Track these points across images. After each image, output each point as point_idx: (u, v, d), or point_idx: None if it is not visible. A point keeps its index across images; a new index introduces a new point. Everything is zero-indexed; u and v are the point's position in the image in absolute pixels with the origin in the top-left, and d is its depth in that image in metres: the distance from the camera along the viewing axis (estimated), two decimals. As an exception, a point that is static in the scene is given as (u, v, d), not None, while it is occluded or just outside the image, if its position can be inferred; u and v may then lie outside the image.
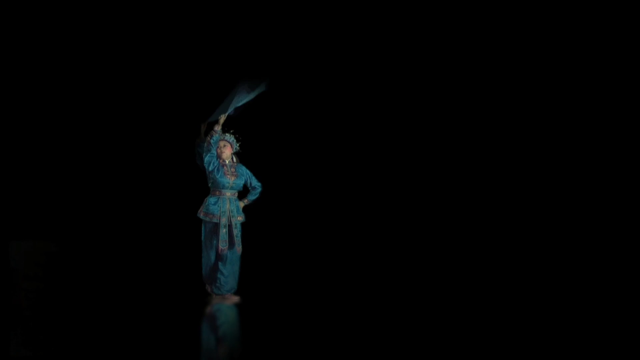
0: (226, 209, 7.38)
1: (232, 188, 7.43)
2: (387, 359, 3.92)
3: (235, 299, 7.35)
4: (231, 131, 7.58)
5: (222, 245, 7.32)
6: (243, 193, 7.66)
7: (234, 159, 7.59)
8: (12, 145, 9.39)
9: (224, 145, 7.47)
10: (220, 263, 7.34)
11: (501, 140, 9.49)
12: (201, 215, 7.41)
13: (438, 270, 9.25)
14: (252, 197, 7.61)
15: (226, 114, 7.39)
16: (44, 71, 9.45)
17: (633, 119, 9.15)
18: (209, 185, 7.46)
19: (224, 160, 7.47)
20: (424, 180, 9.58)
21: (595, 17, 9.15)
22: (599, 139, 9.24)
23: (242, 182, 7.51)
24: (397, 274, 9.26)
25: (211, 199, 7.41)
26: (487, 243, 9.26)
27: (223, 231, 7.31)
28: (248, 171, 7.60)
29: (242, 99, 7.47)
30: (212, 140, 7.34)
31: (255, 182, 7.59)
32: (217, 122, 7.41)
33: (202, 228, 7.46)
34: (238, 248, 7.36)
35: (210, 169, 7.37)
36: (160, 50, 9.49)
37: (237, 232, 7.37)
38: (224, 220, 7.34)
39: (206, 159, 7.35)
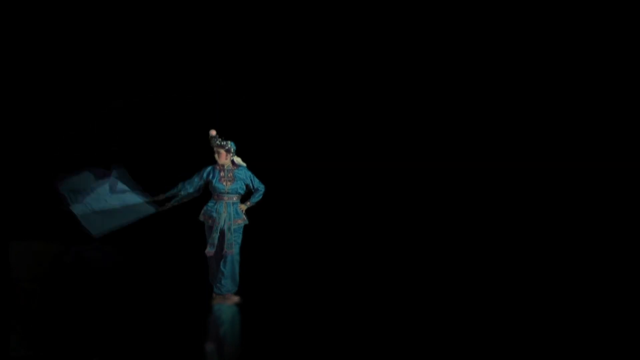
0: (222, 212, 7.47)
1: (228, 193, 7.50)
2: (386, 358, 3.92)
3: (236, 299, 7.38)
4: (220, 138, 7.49)
5: (210, 248, 7.39)
6: (247, 195, 7.68)
7: (235, 163, 7.61)
8: (12, 145, 9.39)
9: (217, 152, 7.48)
10: (221, 263, 7.41)
11: (500, 141, 9.50)
12: (201, 217, 7.52)
13: (437, 271, 9.25)
14: (255, 199, 7.65)
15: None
16: (45, 72, 9.46)
17: (633, 119, 9.17)
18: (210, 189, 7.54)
19: (222, 166, 7.54)
20: (424, 181, 9.59)
21: (596, 17, 9.17)
22: (599, 140, 9.25)
23: (240, 185, 7.53)
24: (396, 274, 9.26)
25: (210, 202, 7.52)
26: (487, 243, 9.27)
27: (214, 235, 7.39)
28: (250, 173, 7.62)
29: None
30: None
31: (257, 184, 7.62)
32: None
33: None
34: (230, 251, 7.43)
35: (206, 177, 7.46)
36: (162, 51, 9.49)
37: (230, 235, 7.41)
38: (217, 224, 7.40)
39: (196, 181, 7.47)
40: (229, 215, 7.44)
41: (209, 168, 7.48)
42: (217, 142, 7.46)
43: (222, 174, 7.44)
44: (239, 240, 7.47)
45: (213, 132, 7.45)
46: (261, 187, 7.62)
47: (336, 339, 4.63)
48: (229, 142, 7.51)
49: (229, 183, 7.44)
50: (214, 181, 7.43)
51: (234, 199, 7.50)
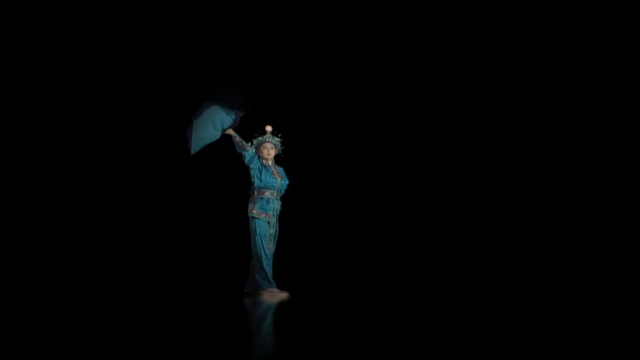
0: (275, 207, 7.64)
1: (278, 189, 7.67)
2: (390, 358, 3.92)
3: (284, 295, 7.40)
4: (279, 135, 7.80)
5: (270, 243, 7.57)
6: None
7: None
8: (11, 145, 9.38)
9: (266, 147, 7.67)
10: (270, 259, 7.60)
11: (502, 141, 9.50)
12: (253, 213, 7.56)
13: (439, 270, 9.25)
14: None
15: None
16: (46, 71, 9.44)
17: (633, 119, 9.18)
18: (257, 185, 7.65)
19: (267, 161, 7.69)
20: (425, 181, 9.59)
21: (595, 17, 9.18)
22: (599, 140, 9.26)
23: (286, 182, 7.74)
24: (399, 274, 9.26)
25: (260, 198, 7.60)
26: (488, 244, 9.28)
27: (271, 230, 7.58)
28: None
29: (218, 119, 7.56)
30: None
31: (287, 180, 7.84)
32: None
33: (255, 225, 7.57)
34: (274, 246, 7.63)
35: (254, 157, 7.62)
36: (162, 50, 9.48)
37: (274, 230, 7.60)
38: (273, 219, 7.60)
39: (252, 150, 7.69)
40: (276, 211, 7.63)
41: (256, 159, 7.63)
42: (270, 138, 7.69)
43: (269, 168, 7.64)
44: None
45: (269, 128, 7.69)
46: (288, 182, 7.81)
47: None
48: (280, 138, 7.75)
49: (278, 177, 7.63)
50: (267, 175, 7.59)
51: (279, 195, 7.68)
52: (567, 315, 5.98)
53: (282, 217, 7.78)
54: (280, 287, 7.54)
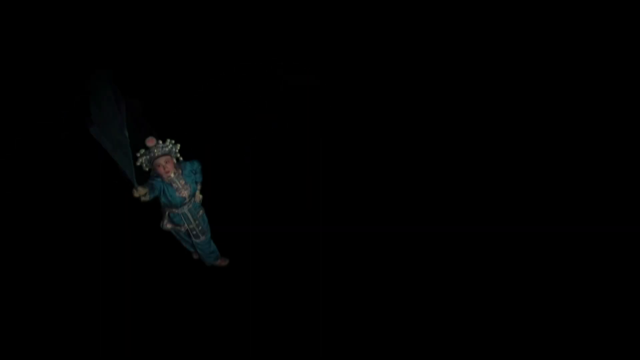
0: (188, 216, 6.78)
1: (188, 198, 6.66)
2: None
3: (224, 262, 7.29)
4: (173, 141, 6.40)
5: (194, 239, 7.00)
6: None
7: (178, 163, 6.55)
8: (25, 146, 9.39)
9: (161, 163, 6.32)
10: (199, 252, 7.25)
11: (502, 142, 9.50)
12: (166, 227, 6.80)
13: (441, 271, 9.25)
14: (199, 180, 6.74)
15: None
16: (47, 71, 9.45)
17: (633, 119, 9.18)
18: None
19: (167, 177, 6.44)
20: (424, 181, 9.59)
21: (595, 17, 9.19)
22: (599, 140, 9.26)
23: (194, 186, 6.66)
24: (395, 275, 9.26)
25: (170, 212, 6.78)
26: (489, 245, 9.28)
27: (190, 240, 7.11)
28: (188, 164, 6.60)
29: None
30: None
31: (196, 167, 6.63)
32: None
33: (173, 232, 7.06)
34: (203, 237, 7.01)
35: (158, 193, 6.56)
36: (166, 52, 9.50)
37: (196, 224, 6.86)
38: (187, 227, 6.87)
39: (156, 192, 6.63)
40: (191, 215, 6.78)
41: (158, 183, 6.41)
42: (159, 151, 6.29)
43: (174, 185, 6.49)
44: (206, 220, 7.04)
45: (151, 142, 6.22)
46: (198, 167, 6.65)
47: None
48: (170, 141, 6.36)
49: (185, 192, 6.58)
50: (171, 192, 6.49)
51: (192, 199, 6.71)
52: (567, 315, 5.97)
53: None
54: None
